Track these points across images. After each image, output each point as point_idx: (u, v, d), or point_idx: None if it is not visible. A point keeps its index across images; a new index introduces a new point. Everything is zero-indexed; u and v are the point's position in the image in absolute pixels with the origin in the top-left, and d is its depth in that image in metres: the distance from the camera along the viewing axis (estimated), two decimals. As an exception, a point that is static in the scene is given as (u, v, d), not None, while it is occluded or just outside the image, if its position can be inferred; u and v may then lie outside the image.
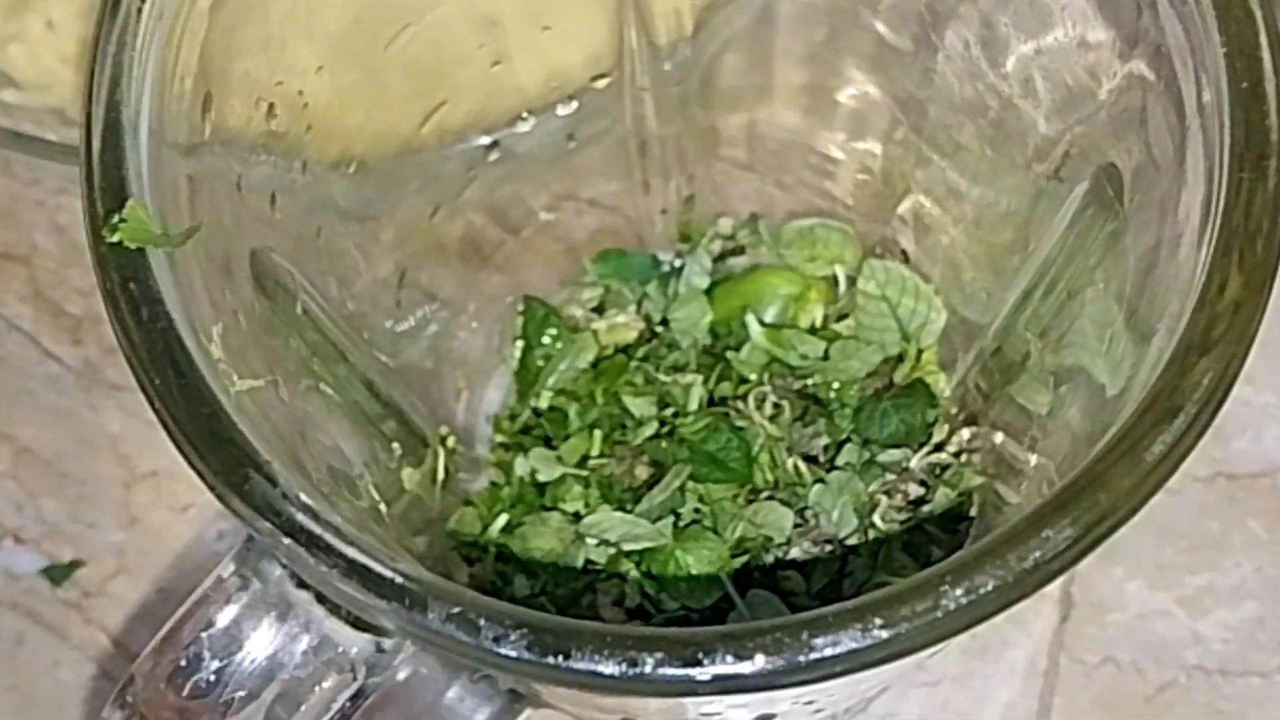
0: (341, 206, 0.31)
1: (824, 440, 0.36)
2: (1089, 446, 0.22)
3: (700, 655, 0.21)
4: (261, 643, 0.24)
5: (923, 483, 0.36)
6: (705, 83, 0.36)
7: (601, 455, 0.37)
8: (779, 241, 0.39)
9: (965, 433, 0.35)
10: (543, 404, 0.39)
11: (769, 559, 0.35)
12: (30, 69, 0.41)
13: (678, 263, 0.40)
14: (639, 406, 0.37)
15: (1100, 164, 0.28)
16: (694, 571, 0.35)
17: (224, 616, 0.24)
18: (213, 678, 0.24)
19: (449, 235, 0.37)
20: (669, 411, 0.37)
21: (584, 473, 0.37)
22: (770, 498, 0.36)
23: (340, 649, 0.24)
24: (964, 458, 0.35)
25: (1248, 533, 0.40)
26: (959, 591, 0.21)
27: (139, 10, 0.24)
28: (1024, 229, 0.32)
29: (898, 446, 0.36)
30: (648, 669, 0.21)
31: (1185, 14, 0.24)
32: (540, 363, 0.39)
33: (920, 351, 0.37)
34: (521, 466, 0.37)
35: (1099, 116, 0.28)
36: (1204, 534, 0.40)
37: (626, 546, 0.35)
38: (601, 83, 0.36)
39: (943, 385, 0.37)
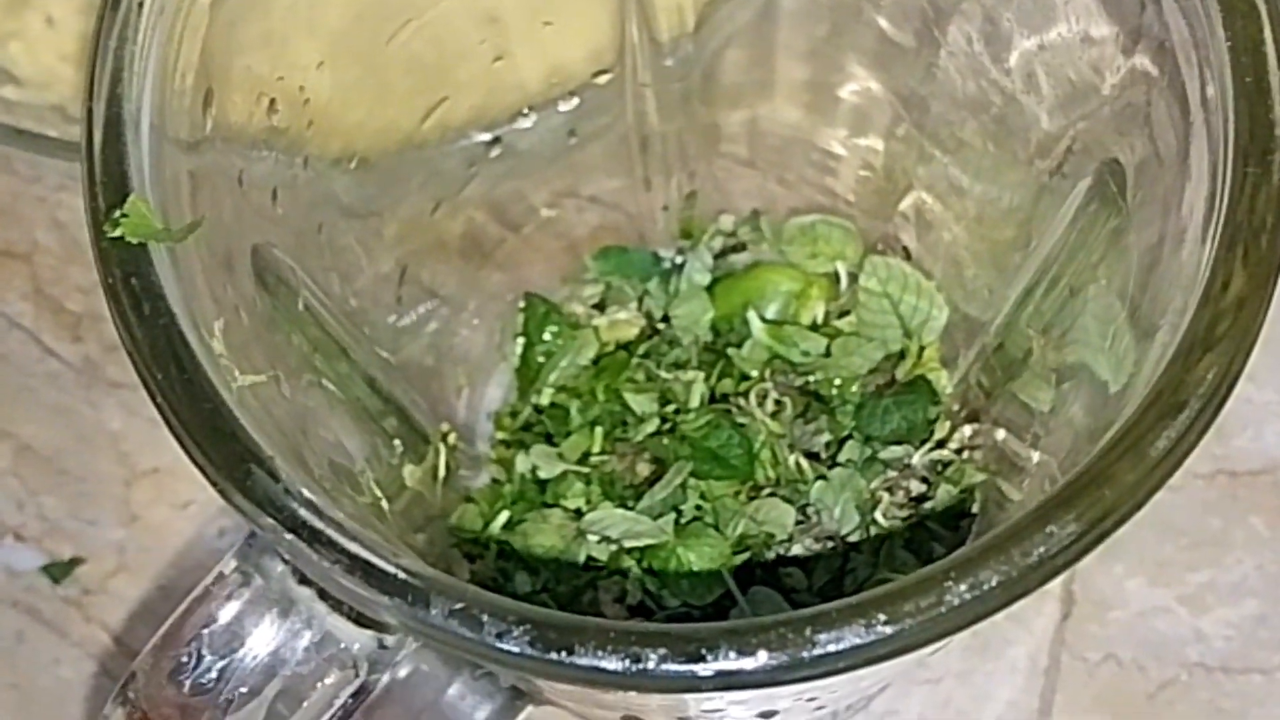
0: (343, 202, 0.31)
1: (825, 437, 0.36)
2: (1091, 443, 0.22)
3: (703, 651, 0.21)
4: (263, 639, 0.24)
5: (924, 479, 0.36)
6: (707, 79, 0.36)
7: (603, 452, 0.37)
8: (780, 238, 0.39)
9: (967, 429, 0.35)
10: (544, 401, 0.39)
11: (770, 556, 0.35)
12: (30, 66, 0.41)
13: (679, 259, 0.40)
14: (640, 403, 0.37)
15: (1103, 160, 0.28)
16: (695, 568, 0.35)
17: (226, 613, 0.24)
18: (214, 674, 0.24)
19: (450, 232, 0.37)
20: (670, 408, 0.37)
21: (585, 469, 0.37)
22: (772, 494, 0.36)
23: (342, 645, 0.24)
24: (966, 454, 0.35)
25: (1249, 530, 0.40)
26: (963, 587, 0.21)
27: (140, 6, 0.24)
28: (1026, 225, 0.32)
29: (899, 443, 0.36)
30: (651, 665, 0.21)
31: (1189, 8, 0.23)
32: (541, 359, 0.39)
33: (922, 348, 0.37)
34: (523, 463, 0.37)
35: (1102, 112, 0.28)
36: (1205, 531, 0.40)
37: (628, 543, 0.35)
38: (603, 79, 0.35)
39: (944, 382, 0.37)
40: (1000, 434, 0.34)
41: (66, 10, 0.41)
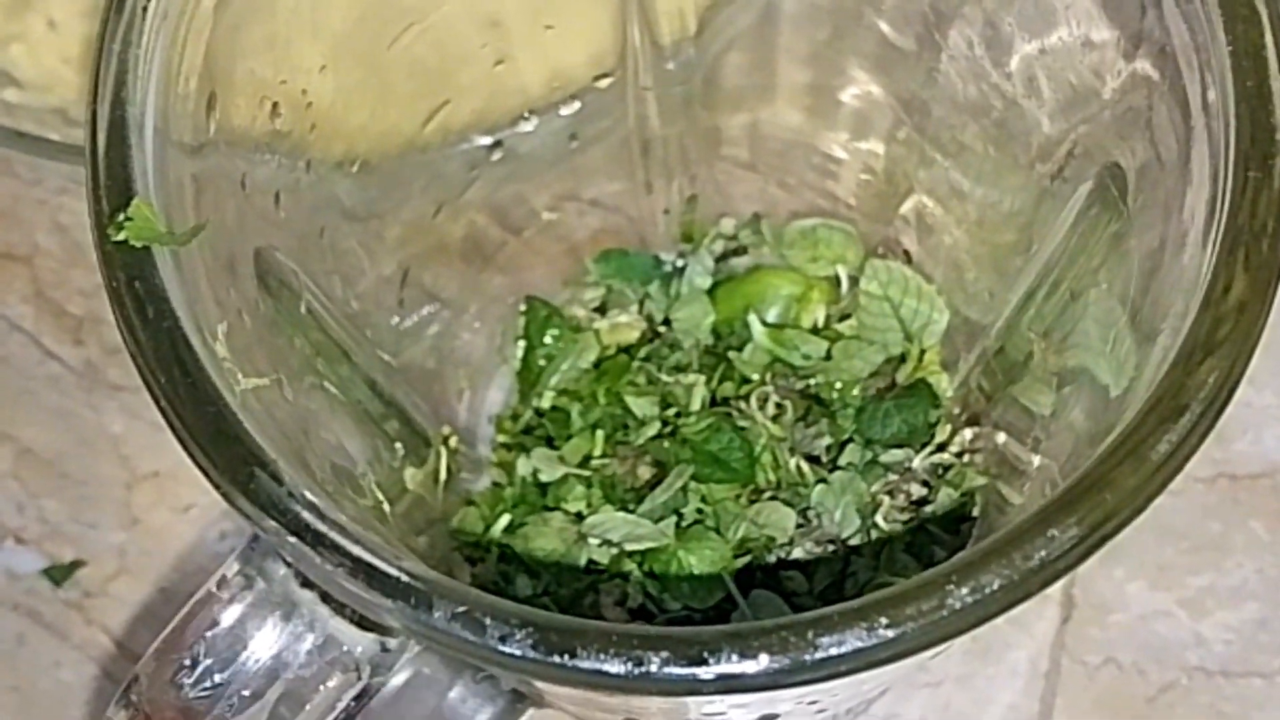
0: (345, 205, 0.31)
1: (826, 440, 0.36)
2: (1092, 447, 0.22)
3: (705, 654, 0.21)
4: (266, 642, 0.24)
5: (925, 483, 0.36)
6: (708, 82, 0.36)
7: (604, 455, 0.37)
8: (781, 241, 0.39)
9: (968, 433, 0.35)
10: (545, 404, 0.39)
11: (771, 559, 0.35)
12: (32, 68, 0.41)
13: (680, 263, 0.40)
14: (641, 407, 0.37)
15: (1104, 164, 0.28)
16: (696, 572, 0.35)
17: (228, 616, 0.24)
18: (217, 678, 0.24)
19: (452, 235, 0.37)
20: (671, 412, 0.37)
21: (586, 473, 0.37)
22: (773, 498, 0.36)
23: (345, 648, 0.24)
24: (966, 458, 0.36)
25: (1249, 534, 0.40)
26: (964, 591, 0.21)
27: (144, 9, 0.24)
28: (1027, 229, 0.32)
29: (900, 447, 0.36)
30: (653, 668, 0.21)
31: (1190, 13, 0.24)
32: (542, 363, 0.39)
33: (923, 352, 0.37)
34: (524, 466, 0.37)
35: (1103, 116, 0.28)
36: (1205, 535, 0.40)
37: (629, 547, 0.35)
38: (604, 82, 0.36)
39: (945, 385, 0.37)
40: (1001, 437, 0.34)
41: (68, 13, 0.41)
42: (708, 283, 0.39)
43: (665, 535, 0.35)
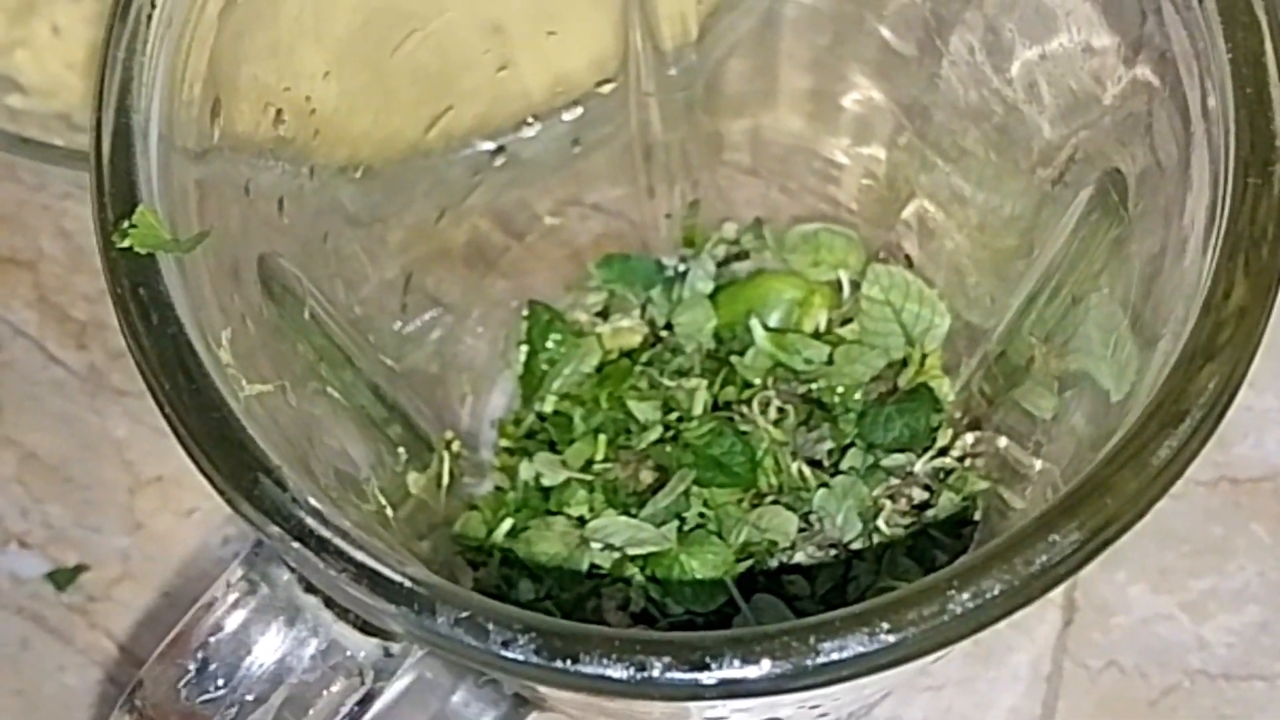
0: (348, 211, 0.32)
1: (828, 445, 0.36)
2: (1093, 451, 0.23)
3: (708, 659, 0.21)
4: (270, 647, 0.24)
5: (927, 487, 0.36)
6: (710, 88, 0.36)
7: (606, 460, 0.37)
8: (783, 246, 0.39)
9: (969, 437, 0.35)
10: (547, 408, 0.39)
11: (773, 563, 0.35)
12: (36, 74, 0.41)
13: (682, 267, 0.40)
14: (643, 411, 0.37)
15: (1105, 169, 0.28)
16: (698, 576, 0.35)
17: (232, 621, 0.24)
18: (221, 682, 0.24)
19: (454, 240, 0.37)
20: (673, 416, 0.37)
21: (588, 477, 0.37)
22: (775, 502, 0.36)
23: (348, 653, 0.24)
24: (968, 462, 0.36)
25: (1251, 537, 0.40)
26: (966, 595, 0.21)
27: (148, 16, 0.24)
28: (1028, 234, 0.32)
29: (902, 451, 0.36)
30: (656, 673, 0.21)
31: (1190, 20, 0.24)
32: (545, 367, 0.39)
33: (924, 356, 0.37)
34: (526, 471, 0.37)
35: (1103, 122, 0.28)
36: (1207, 538, 0.40)
37: (631, 551, 0.35)
38: (606, 88, 0.36)
39: (947, 390, 0.37)
40: (1002, 442, 0.34)
41: (73, 19, 0.41)
42: (710, 287, 0.39)
43: (667, 539, 0.35)
